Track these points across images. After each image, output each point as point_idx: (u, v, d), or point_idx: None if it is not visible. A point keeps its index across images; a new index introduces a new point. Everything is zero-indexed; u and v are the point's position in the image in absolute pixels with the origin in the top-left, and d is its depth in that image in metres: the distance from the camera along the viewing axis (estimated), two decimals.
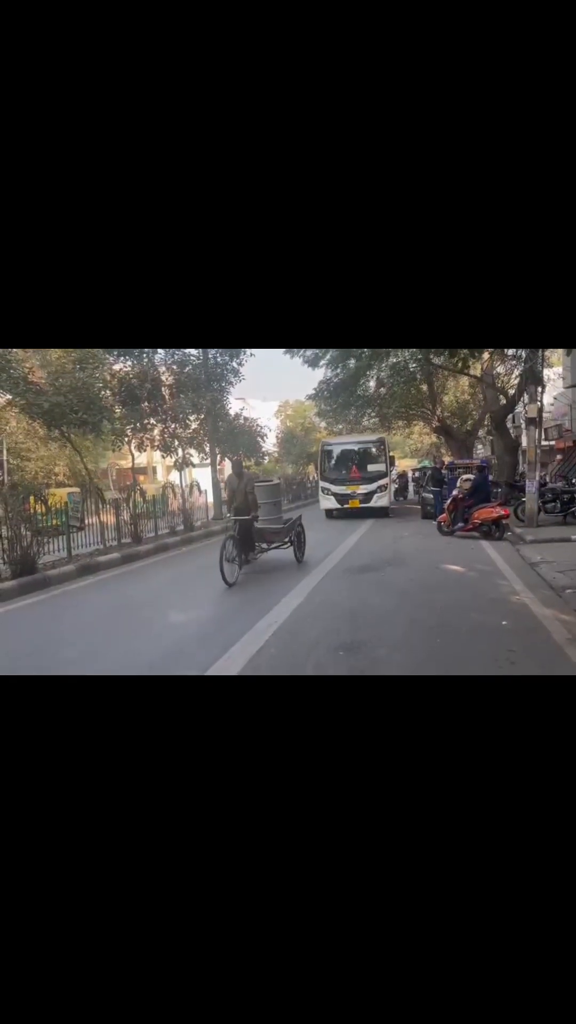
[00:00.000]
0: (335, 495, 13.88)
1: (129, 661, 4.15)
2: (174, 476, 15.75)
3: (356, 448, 14.59)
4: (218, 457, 14.92)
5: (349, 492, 13.72)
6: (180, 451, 12.77)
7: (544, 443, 23.95)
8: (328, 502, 14.02)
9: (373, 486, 13.76)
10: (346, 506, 13.67)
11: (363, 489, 13.73)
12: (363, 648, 4.10)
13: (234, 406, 15.96)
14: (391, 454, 15.11)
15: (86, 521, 9.51)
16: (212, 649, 4.27)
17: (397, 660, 3.85)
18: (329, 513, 14.16)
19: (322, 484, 14.41)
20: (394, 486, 17.08)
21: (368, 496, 13.65)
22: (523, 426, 11.87)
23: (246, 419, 16.99)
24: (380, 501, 13.77)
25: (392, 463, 14.98)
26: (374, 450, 14.44)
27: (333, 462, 14.50)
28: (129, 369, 11.06)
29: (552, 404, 22.98)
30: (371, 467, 14.13)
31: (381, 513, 13.82)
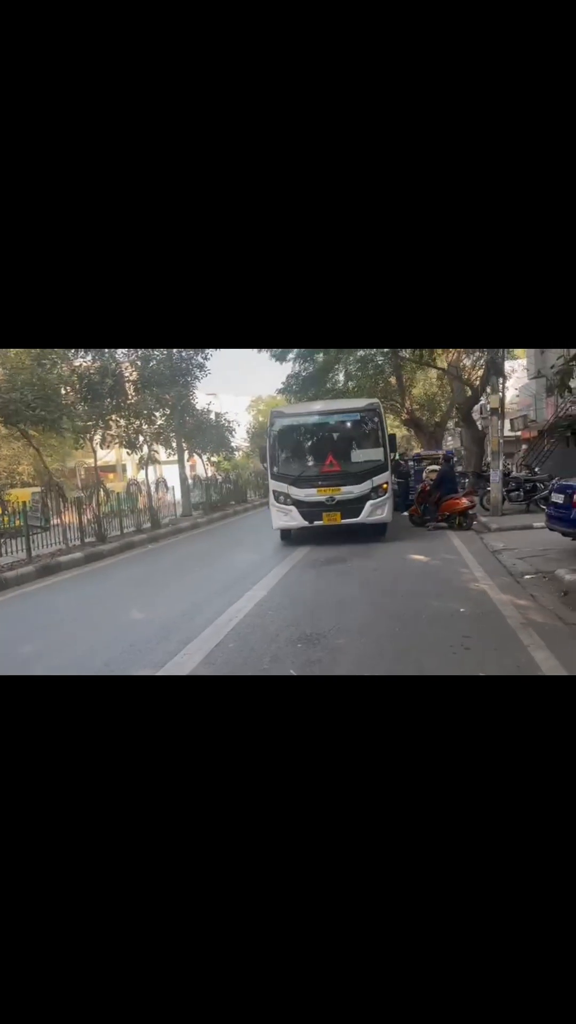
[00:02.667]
0: (298, 504, 8.15)
1: (85, 660, 4.05)
2: (144, 473, 15.53)
3: (331, 422, 8.80)
4: (185, 453, 14.71)
5: (322, 499, 8.09)
6: (145, 447, 12.50)
7: (511, 433, 24.63)
8: (283, 516, 8.32)
9: (364, 486, 8.10)
10: (318, 523, 8.16)
11: (347, 492, 8.08)
12: (322, 639, 4.10)
13: (201, 400, 15.68)
14: (390, 431, 9.07)
15: (52, 521, 9.29)
16: (170, 644, 4.20)
17: (354, 650, 3.85)
18: (285, 534, 8.73)
19: (273, 486, 8.43)
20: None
21: (355, 504, 8.10)
22: (487, 417, 12.01)
23: (217, 414, 16.85)
24: (377, 513, 8.18)
25: (393, 446, 8.99)
26: (363, 426, 8.65)
27: (292, 447, 8.67)
28: (89, 364, 10.79)
29: (517, 396, 23.53)
30: (359, 454, 8.49)
31: (376, 531, 8.57)
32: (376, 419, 8.66)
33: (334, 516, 8.16)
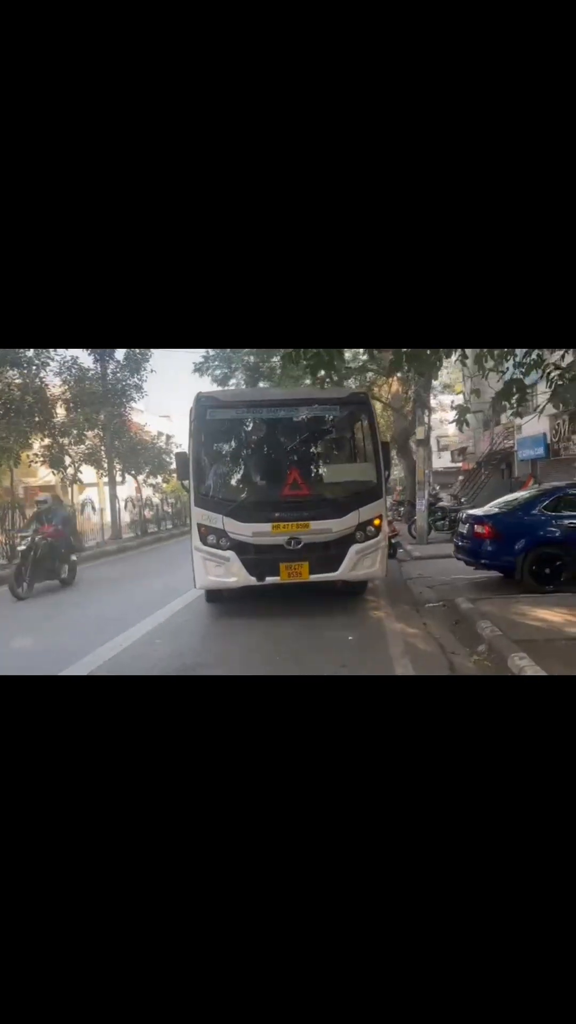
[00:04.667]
0: (240, 548, 4.98)
1: None
2: (89, 493, 14.98)
3: (294, 419, 5.53)
4: (116, 473, 14.28)
5: (280, 540, 4.95)
6: (72, 468, 12.03)
7: (452, 464, 25.54)
8: (215, 569, 5.08)
9: (346, 521, 5.06)
10: (271, 579, 5.02)
11: (319, 530, 5.00)
12: (200, 670, 3.93)
13: (156, 423, 15.44)
14: (381, 437, 5.76)
15: None
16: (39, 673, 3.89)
17: None
18: (215, 595, 5.73)
19: (198, 516, 5.08)
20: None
21: (332, 550, 5.07)
22: (414, 447, 12.30)
23: (167, 436, 16.62)
24: (365, 564, 5.20)
25: (386, 462, 5.58)
26: (344, 427, 5.83)
27: (229, 455, 5.75)
28: (11, 380, 10.36)
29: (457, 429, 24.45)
30: (338, 470, 5.73)
31: (355, 588, 5.79)
32: (365, 417, 5.49)
33: (298, 568, 4.90)
